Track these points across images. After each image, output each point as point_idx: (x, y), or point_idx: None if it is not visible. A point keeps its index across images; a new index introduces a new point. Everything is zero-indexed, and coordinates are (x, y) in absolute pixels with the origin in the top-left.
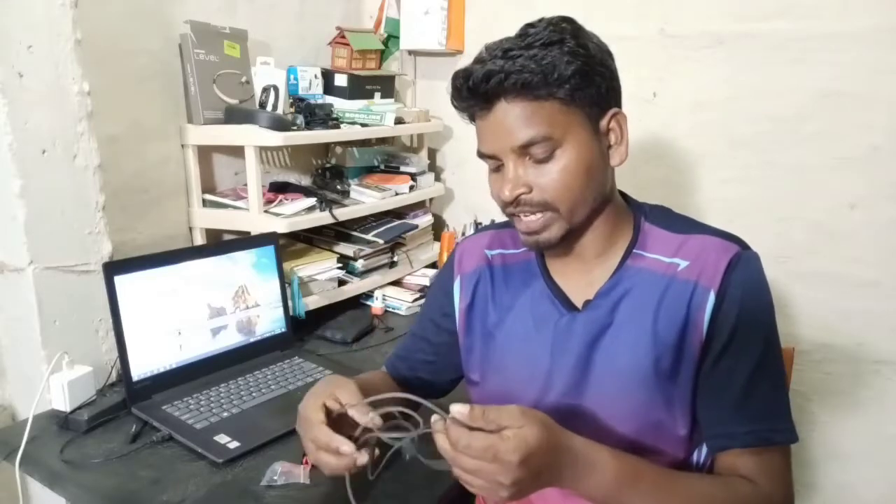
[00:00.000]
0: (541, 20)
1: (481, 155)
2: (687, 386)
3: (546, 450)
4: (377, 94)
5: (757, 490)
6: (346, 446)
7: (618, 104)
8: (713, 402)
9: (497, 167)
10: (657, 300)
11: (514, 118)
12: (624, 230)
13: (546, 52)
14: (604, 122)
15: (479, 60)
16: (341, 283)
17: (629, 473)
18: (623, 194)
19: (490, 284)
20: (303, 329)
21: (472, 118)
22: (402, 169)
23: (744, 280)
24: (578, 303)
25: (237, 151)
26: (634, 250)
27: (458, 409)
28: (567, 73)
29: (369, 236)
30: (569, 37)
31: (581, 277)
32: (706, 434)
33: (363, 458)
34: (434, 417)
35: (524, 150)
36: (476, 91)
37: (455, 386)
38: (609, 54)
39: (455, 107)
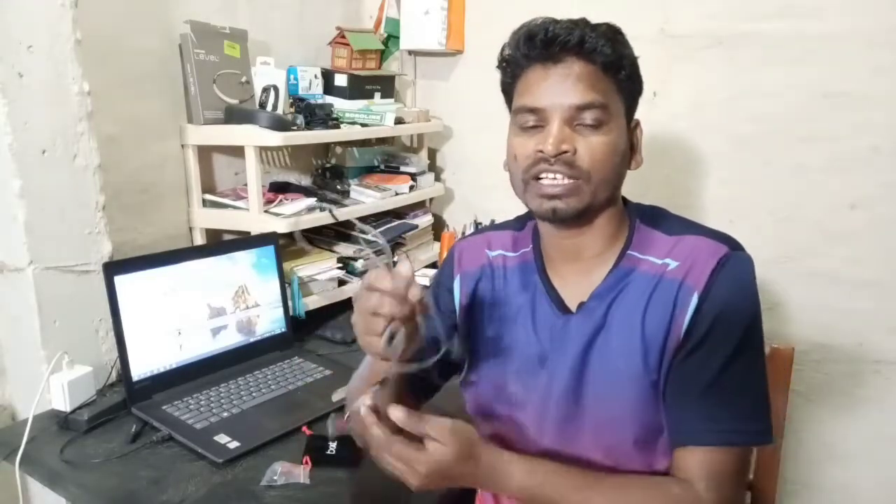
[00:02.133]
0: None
1: (523, 110)
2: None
3: (455, 465)
4: (377, 94)
5: (687, 492)
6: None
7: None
8: (677, 399)
9: (534, 125)
10: (646, 300)
11: (581, 77)
12: (622, 232)
13: (615, 35)
14: (632, 125)
15: (550, 20)
16: (341, 283)
17: (536, 482)
18: (622, 197)
19: (490, 285)
20: (303, 329)
21: (515, 76)
22: (402, 169)
23: (729, 281)
24: (573, 305)
25: (237, 151)
26: (629, 252)
27: (396, 415)
28: (628, 62)
29: (369, 236)
30: (625, 39)
31: (578, 279)
32: (668, 430)
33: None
34: (363, 409)
35: (579, 111)
36: (553, 41)
37: (444, 384)
38: None
39: (507, 58)
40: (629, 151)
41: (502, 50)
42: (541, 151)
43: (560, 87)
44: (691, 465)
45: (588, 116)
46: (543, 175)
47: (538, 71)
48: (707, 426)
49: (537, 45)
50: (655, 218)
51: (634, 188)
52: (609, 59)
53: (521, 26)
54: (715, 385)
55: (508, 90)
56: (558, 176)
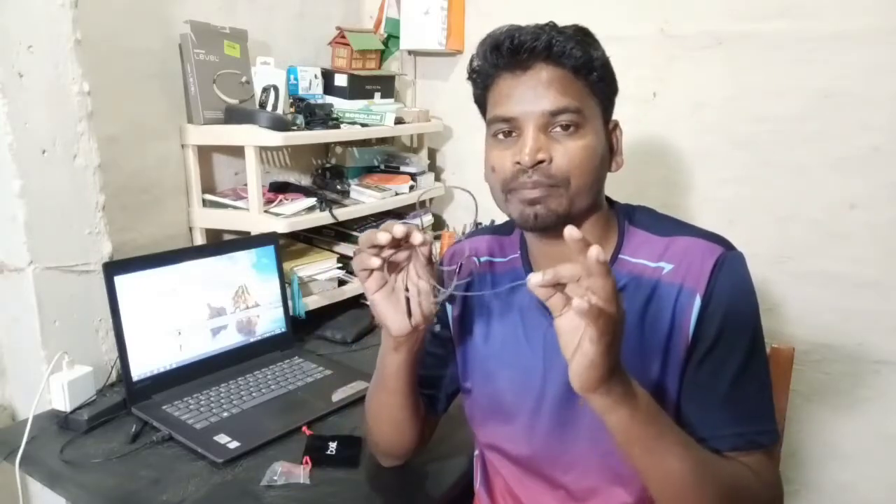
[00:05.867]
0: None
1: (496, 120)
2: (673, 389)
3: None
4: (377, 94)
5: (757, 478)
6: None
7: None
8: (699, 405)
9: (509, 134)
10: (643, 305)
11: (551, 82)
12: (610, 235)
13: (584, 37)
14: (610, 127)
15: (515, 28)
16: (341, 283)
17: (656, 407)
18: (607, 198)
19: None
20: (303, 329)
21: (486, 86)
22: (402, 169)
23: (729, 282)
24: None
25: (237, 151)
26: (620, 255)
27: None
28: (598, 63)
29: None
30: (594, 39)
31: None
32: (693, 434)
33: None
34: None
35: (552, 117)
36: (519, 48)
37: (452, 402)
38: None
39: (477, 69)
40: (609, 154)
41: (471, 61)
42: (518, 163)
43: (531, 94)
44: None
45: (563, 121)
46: (518, 189)
47: (508, 80)
48: (737, 430)
49: (504, 54)
50: (644, 219)
51: (633, 188)
52: (579, 61)
53: (486, 36)
54: (736, 388)
55: (481, 101)
56: (534, 187)
